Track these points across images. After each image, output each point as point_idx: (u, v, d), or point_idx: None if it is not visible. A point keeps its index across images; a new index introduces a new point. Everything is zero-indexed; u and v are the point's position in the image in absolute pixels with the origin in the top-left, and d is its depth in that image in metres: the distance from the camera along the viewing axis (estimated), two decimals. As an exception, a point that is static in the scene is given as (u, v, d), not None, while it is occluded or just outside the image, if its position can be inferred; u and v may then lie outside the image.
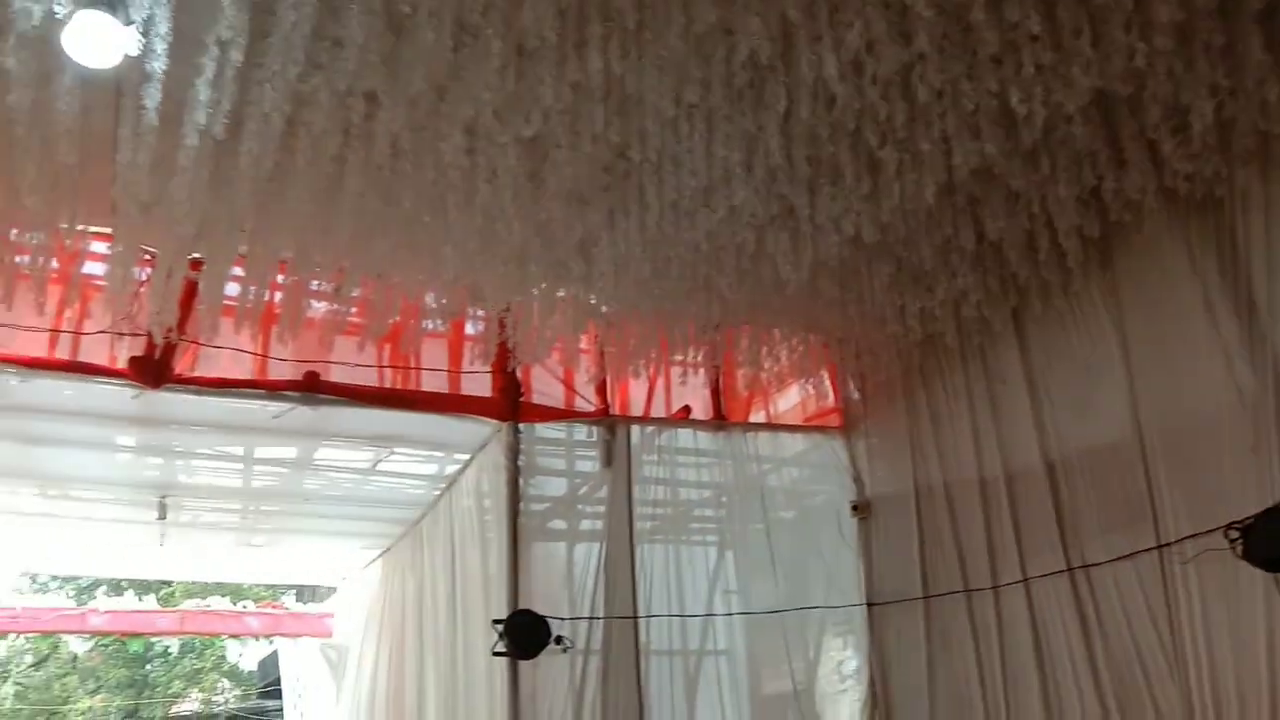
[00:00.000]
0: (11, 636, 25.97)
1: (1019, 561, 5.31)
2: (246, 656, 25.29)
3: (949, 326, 5.29)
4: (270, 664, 24.41)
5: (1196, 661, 4.31)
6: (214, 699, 26.42)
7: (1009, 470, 5.44)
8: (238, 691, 26.44)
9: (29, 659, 27.56)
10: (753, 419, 6.79)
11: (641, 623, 5.89)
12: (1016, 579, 5.29)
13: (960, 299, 5.05)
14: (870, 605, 6.39)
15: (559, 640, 5.57)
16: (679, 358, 6.13)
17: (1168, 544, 4.48)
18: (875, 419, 6.58)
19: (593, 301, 5.20)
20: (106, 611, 9.09)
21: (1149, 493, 4.61)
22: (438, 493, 7.08)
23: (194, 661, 24.33)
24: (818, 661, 6.75)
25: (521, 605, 5.63)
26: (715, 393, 6.55)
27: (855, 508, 6.52)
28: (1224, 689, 4.21)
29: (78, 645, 13.73)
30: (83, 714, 26.15)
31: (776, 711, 6.56)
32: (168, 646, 22.04)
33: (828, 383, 6.72)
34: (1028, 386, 5.37)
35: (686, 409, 6.53)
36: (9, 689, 28.29)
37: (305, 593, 15.18)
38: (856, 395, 6.70)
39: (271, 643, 17.97)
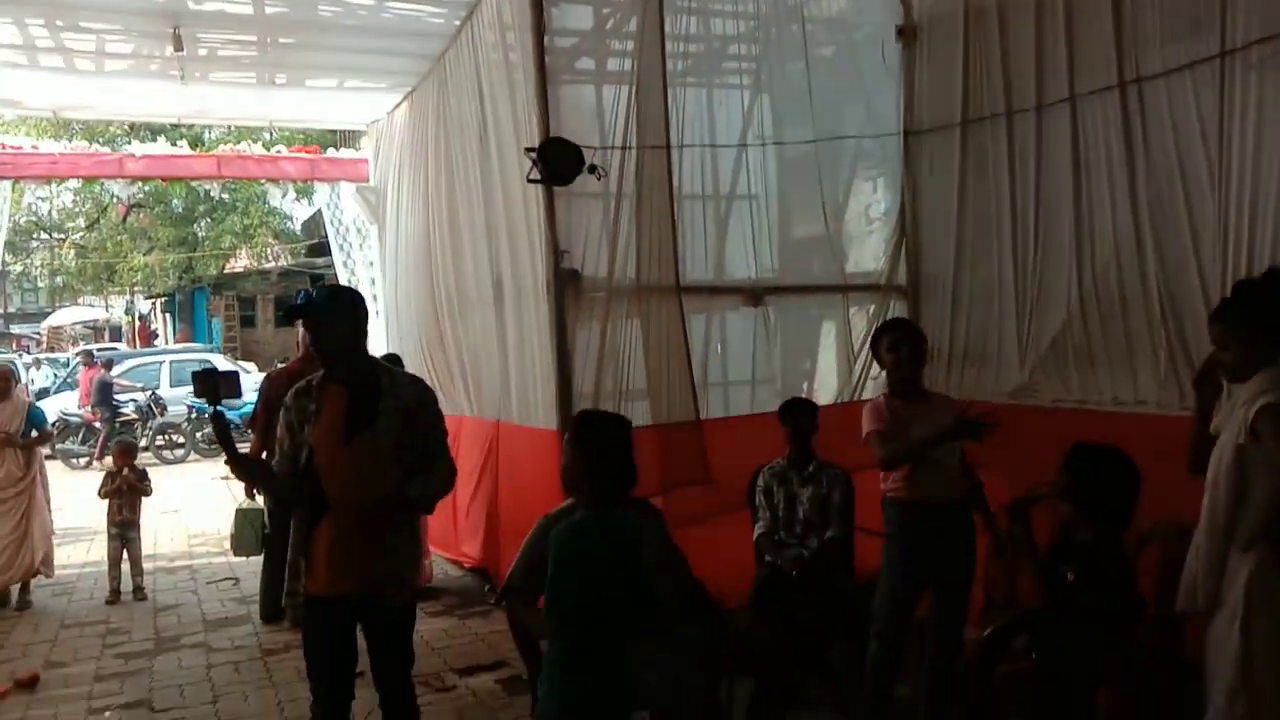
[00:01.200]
0: (59, 198, 26.98)
1: (1068, 80, 5.11)
2: (294, 218, 26.25)
3: None
4: (315, 223, 25.39)
5: (1240, 173, 4.27)
6: (265, 257, 27.79)
7: (1070, -18, 5.06)
8: (286, 248, 27.75)
9: (81, 222, 28.82)
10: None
11: (674, 167, 5.84)
12: (1064, 98, 5.12)
13: None
14: (907, 134, 6.28)
15: (593, 169, 5.56)
16: None
17: (1232, 50, 4.25)
18: (929, -67, 6.03)
19: None
20: (143, 157, 9.12)
21: (1220, -1, 4.30)
22: (458, 22, 6.74)
23: (241, 219, 25.18)
24: (847, 205, 6.80)
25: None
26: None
27: (900, 31, 6.19)
28: (1263, 201, 4.19)
29: (121, 192, 13.90)
30: (138, 270, 27.69)
31: (805, 252, 6.73)
32: (210, 192, 22.50)
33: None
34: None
35: (724, -80, 5.98)
36: (69, 251, 29.91)
37: (339, 139, 15.30)
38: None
39: (312, 203, 18.39)
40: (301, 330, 6.40)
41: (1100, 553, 3.16)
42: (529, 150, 5.48)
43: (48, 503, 7.10)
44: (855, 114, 6.55)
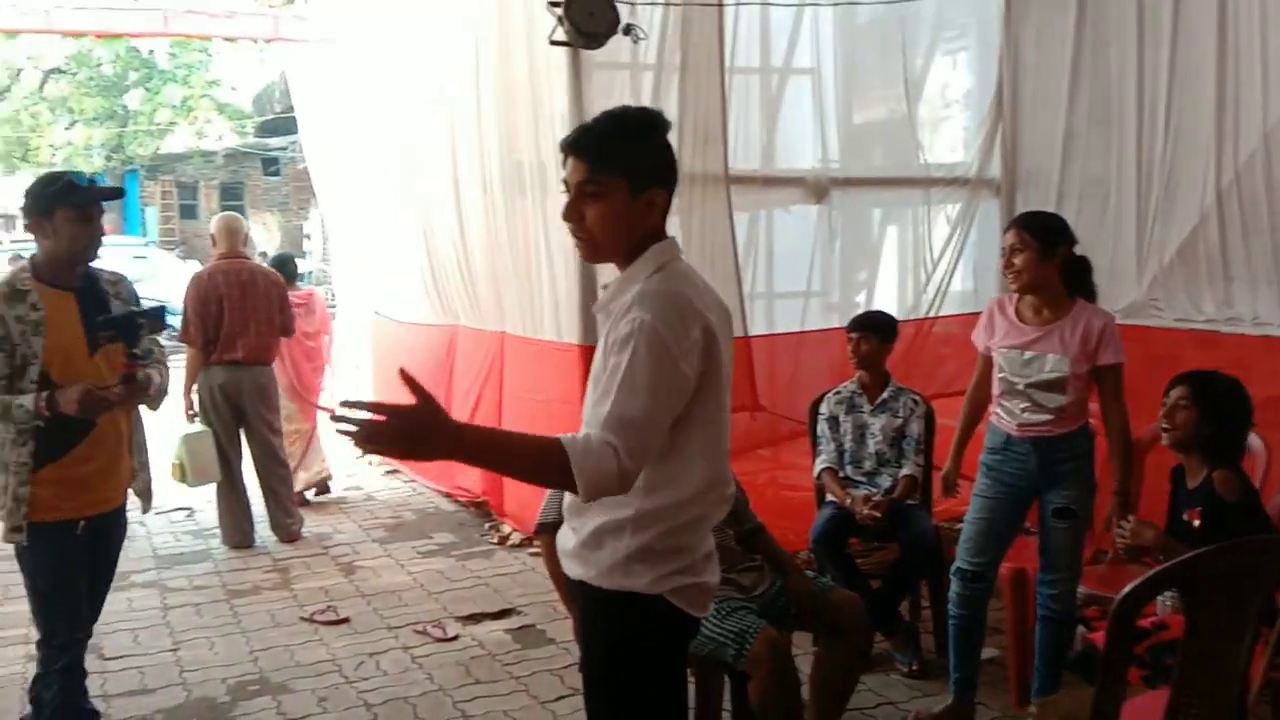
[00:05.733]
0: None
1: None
2: (241, 91, 25.64)
3: None
4: (267, 98, 24.89)
5: None
6: (206, 134, 27.23)
7: None
8: (232, 126, 27.22)
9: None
10: None
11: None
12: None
13: None
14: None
15: (629, 30, 5.31)
16: None
17: None
18: None
19: None
20: (74, 8, 8.67)
21: None
22: None
23: (181, 89, 24.69)
24: (924, 81, 6.58)
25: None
26: None
27: None
28: None
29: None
30: (58, 148, 27.09)
31: (871, 140, 6.55)
32: (152, 52, 21.97)
33: None
34: None
35: None
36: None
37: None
38: None
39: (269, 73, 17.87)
40: (218, 222, 6.31)
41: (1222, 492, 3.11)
42: (553, 4, 5.21)
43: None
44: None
